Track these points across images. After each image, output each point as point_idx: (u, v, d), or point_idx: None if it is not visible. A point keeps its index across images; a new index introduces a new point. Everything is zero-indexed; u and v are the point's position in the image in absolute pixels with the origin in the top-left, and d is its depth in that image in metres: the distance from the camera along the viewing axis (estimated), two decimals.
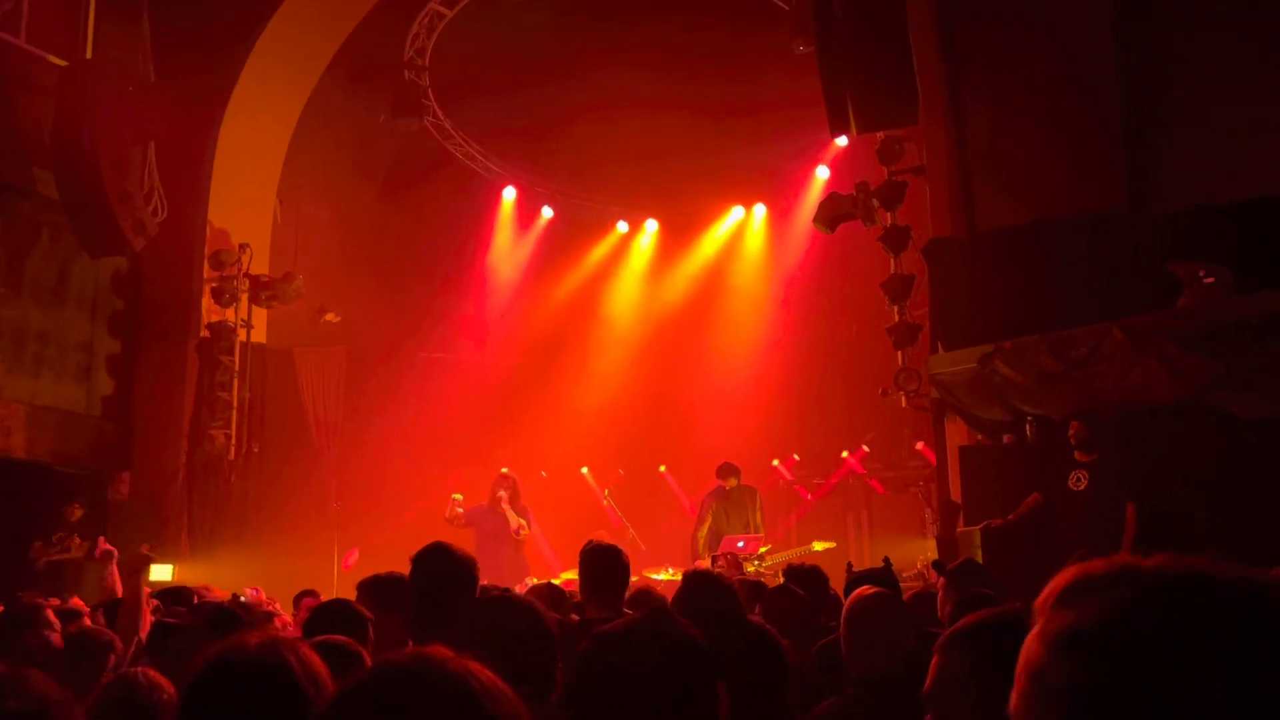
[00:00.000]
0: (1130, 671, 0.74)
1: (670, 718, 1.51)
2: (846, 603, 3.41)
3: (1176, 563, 0.81)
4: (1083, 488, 7.04)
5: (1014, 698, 0.83)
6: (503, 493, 10.43)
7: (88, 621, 4.92)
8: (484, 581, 3.76)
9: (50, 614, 4.36)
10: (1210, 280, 7.29)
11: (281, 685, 1.48)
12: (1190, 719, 0.73)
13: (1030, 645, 0.83)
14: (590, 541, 4.33)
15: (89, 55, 11.84)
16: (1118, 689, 0.74)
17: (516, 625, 2.36)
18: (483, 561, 3.86)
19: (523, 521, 10.40)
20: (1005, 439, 8.69)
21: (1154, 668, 0.74)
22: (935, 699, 1.92)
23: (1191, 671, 0.73)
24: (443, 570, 3.50)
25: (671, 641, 1.59)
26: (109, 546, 9.29)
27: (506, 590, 3.45)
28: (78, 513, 10.86)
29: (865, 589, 3.45)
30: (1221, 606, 0.76)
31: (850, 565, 7.52)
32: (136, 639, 4.55)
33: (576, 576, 4.21)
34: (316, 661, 1.53)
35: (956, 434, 9.20)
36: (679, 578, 9.98)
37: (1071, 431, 7.24)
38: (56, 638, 4.16)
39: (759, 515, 9.68)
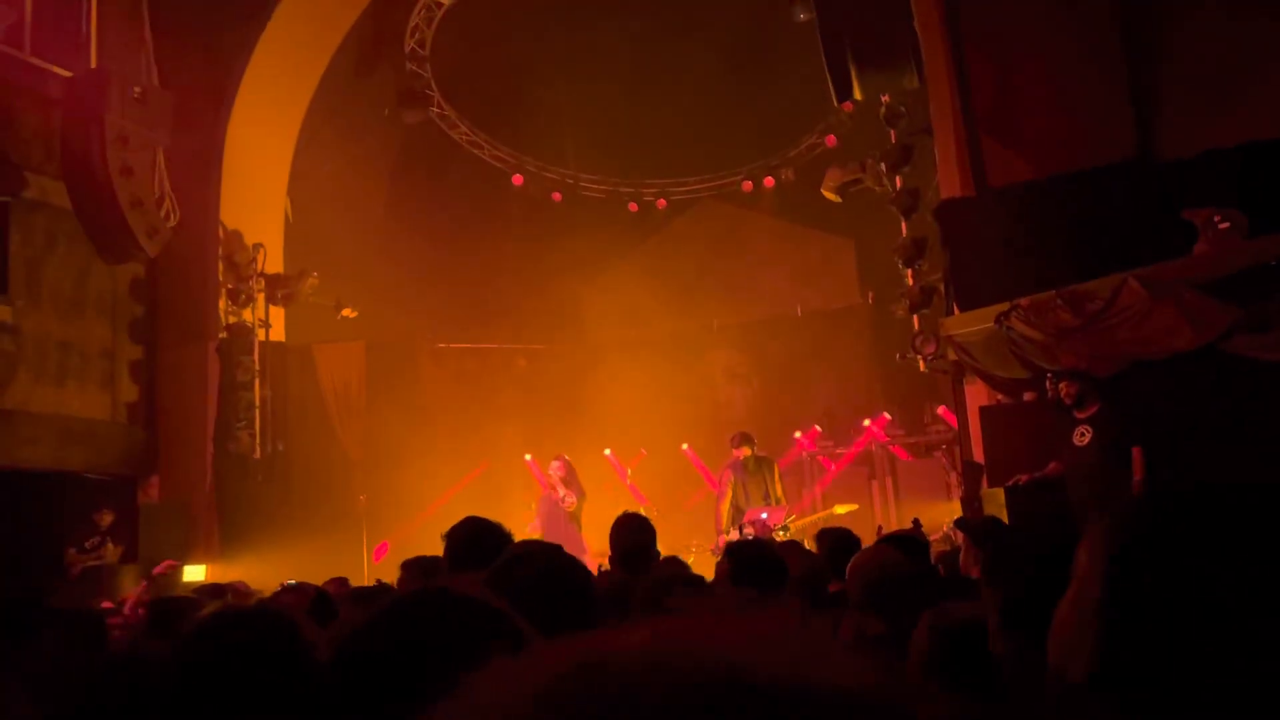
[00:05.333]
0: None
1: None
2: (851, 562, 3.43)
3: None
4: (1087, 442, 7.00)
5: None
6: (552, 470, 10.58)
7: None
8: None
9: None
10: (1225, 225, 7.21)
11: (281, 641, 1.49)
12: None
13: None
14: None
15: (93, 64, 11.91)
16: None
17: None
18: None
19: (568, 492, 10.53)
20: (1026, 397, 8.64)
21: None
22: None
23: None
24: (471, 535, 3.48)
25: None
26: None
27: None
28: (108, 519, 10.99)
29: (868, 549, 3.50)
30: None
31: (880, 528, 7.53)
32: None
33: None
34: (310, 627, 1.55)
35: (977, 395, 9.17)
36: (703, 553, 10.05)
37: (1063, 391, 7.20)
38: None
39: (779, 486, 9.64)
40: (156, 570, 10.01)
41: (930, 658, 2.25)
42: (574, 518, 10.48)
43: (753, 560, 3.85)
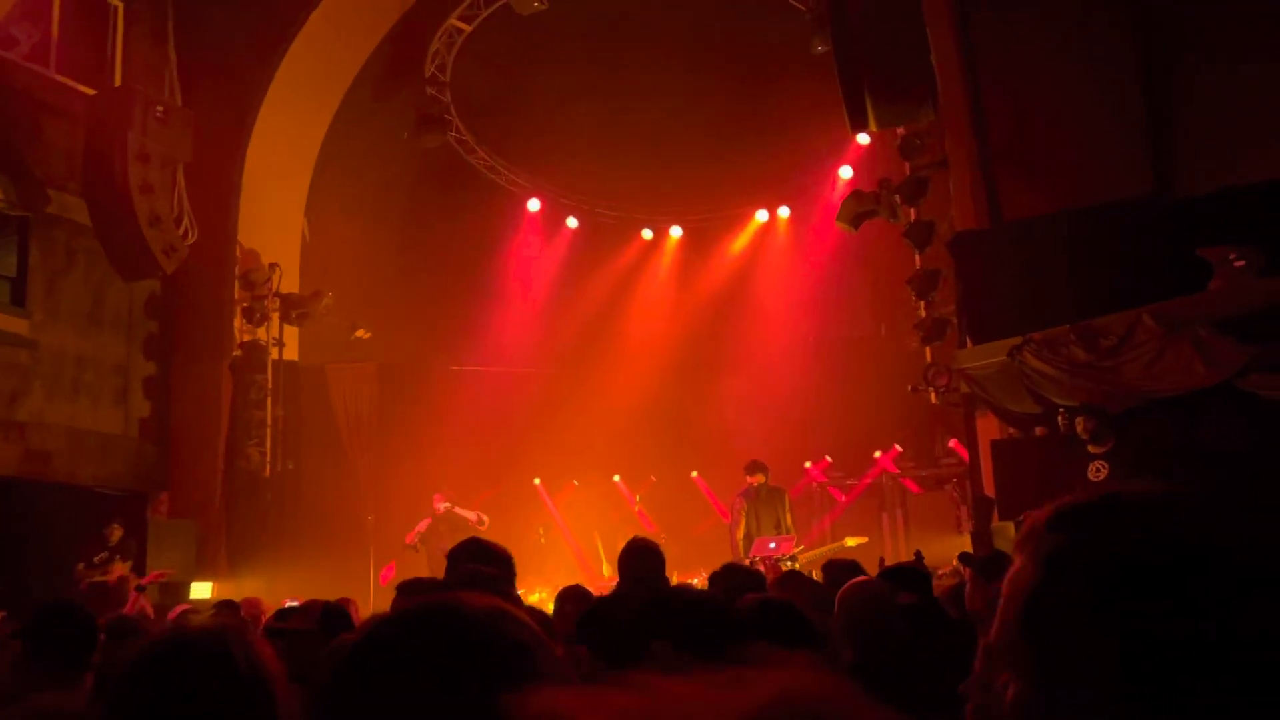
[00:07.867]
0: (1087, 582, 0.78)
1: None
2: (839, 594, 3.40)
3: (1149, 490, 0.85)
4: (1103, 477, 6.94)
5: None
6: (444, 504, 11.82)
7: None
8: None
9: None
10: (1241, 263, 7.18)
11: (220, 670, 1.46)
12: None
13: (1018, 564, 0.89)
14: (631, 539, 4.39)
15: (117, 82, 12.07)
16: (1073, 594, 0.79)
17: None
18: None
19: (481, 513, 11.93)
20: (1038, 432, 8.59)
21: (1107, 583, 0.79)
22: None
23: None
24: (477, 559, 3.40)
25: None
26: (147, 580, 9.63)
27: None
28: (118, 534, 10.98)
29: (856, 579, 3.49)
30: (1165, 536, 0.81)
31: (882, 560, 7.48)
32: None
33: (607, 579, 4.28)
34: (266, 652, 1.52)
35: (988, 428, 9.12)
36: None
37: (1079, 426, 7.14)
38: None
39: (789, 516, 9.61)
40: (144, 580, 10.05)
41: None
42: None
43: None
